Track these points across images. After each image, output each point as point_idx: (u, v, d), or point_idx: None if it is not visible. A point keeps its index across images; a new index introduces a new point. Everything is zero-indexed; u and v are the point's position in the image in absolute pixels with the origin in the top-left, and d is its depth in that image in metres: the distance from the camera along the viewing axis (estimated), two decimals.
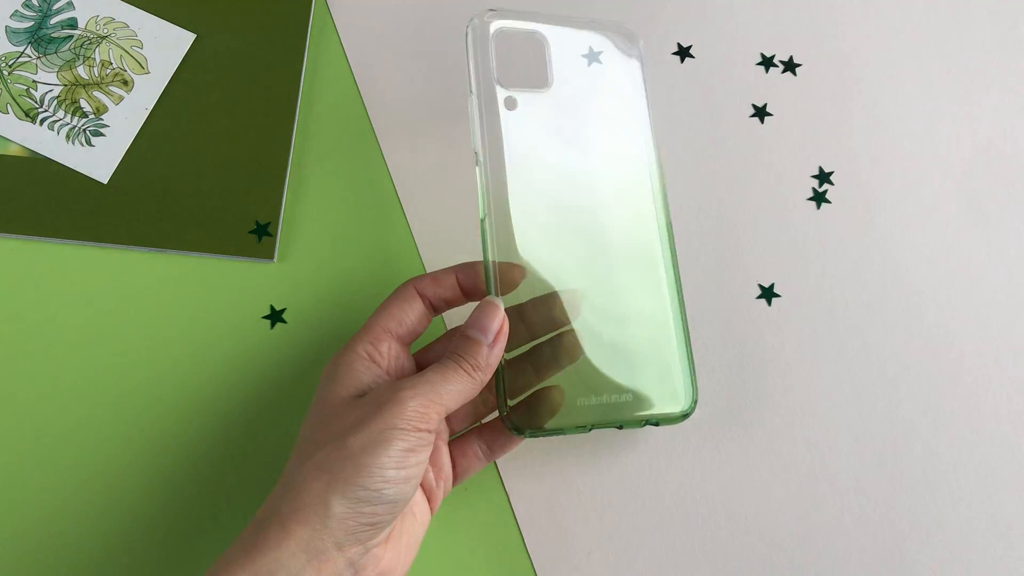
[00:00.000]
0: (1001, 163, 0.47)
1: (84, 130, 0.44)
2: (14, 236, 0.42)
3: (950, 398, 0.42)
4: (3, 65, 0.44)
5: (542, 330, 0.35)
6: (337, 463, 0.29)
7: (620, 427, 0.36)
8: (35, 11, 0.45)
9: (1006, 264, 0.45)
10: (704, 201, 0.45)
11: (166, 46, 0.46)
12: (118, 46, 0.45)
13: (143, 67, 0.45)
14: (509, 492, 0.40)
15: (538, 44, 0.38)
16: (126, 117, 0.44)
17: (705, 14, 0.49)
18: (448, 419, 0.37)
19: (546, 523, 0.39)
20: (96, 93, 0.44)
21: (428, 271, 0.39)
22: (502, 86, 0.36)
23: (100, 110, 0.44)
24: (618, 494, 0.40)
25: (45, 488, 0.39)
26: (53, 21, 0.45)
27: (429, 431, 0.31)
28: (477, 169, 0.35)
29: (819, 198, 0.46)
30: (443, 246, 0.43)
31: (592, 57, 0.39)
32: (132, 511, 0.39)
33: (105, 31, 0.46)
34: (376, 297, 0.36)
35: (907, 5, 0.50)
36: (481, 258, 0.35)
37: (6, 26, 0.45)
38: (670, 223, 0.38)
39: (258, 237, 0.43)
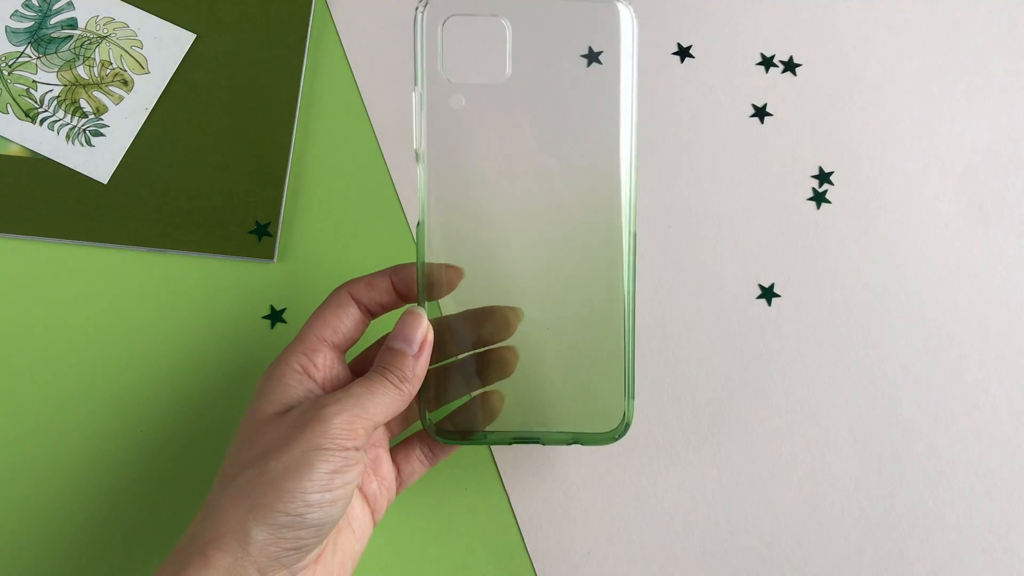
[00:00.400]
0: (1001, 163, 0.47)
1: (84, 130, 0.44)
2: (14, 236, 0.42)
3: (950, 398, 0.42)
4: (3, 65, 0.44)
5: (475, 342, 0.34)
6: (258, 488, 0.28)
7: (542, 443, 0.35)
8: (35, 11, 0.45)
9: (1006, 264, 0.45)
10: (704, 201, 0.45)
11: (166, 46, 0.46)
12: (118, 46, 0.45)
13: (143, 67, 0.45)
14: (509, 492, 0.40)
15: (498, 29, 0.33)
16: (126, 117, 0.44)
17: (705, 14, 0.49)
18: (387, 424, 0.36)
19: (546, 523, 0.39)
20: (96, 93, 0.44)
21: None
22: (449, 78, 0.33)
23: (100, 110, 0.44)
24: (618, 494, 0.40)
25: (44, 487, 0.39)
26: (53, 21, 0.45)
27: (356, 449, 0.29)
28: (418, 169, 0.33)
29: (819, 198, 0.46)
30: None
31: (567, 42, 0.34)
32: (132, 510, 0.39)
33: (105, 31, 0.46)
34: None
35: (907, 5, 0.50)
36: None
37: (6, 26, 0.45)
38: (634, 233, 0.34)
39: (258, 237, 0.43)
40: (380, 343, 0.36)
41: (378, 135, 0.46)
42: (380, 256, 0.43)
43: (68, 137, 0.43)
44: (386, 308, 0.35)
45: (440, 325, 0.33)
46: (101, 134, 0.44)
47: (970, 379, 0.43)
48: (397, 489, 0.35)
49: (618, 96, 0.34)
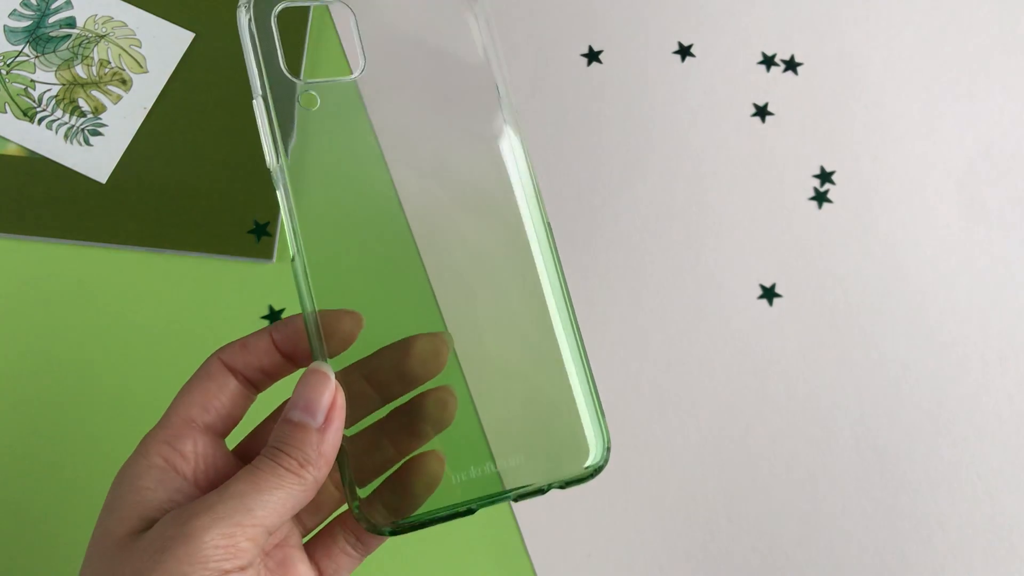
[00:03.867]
0: (1002, 162, 0.47)
1: (82, 129, 0.44)
2: (12, 236, 0.42)
3: (952, 398, 0.42)
4: (1, 64, 0.44)
5: (397, 390, 0.26)
6: None
7: (515, 499, 0.27)
8: (33, 10, 0.45)
9: (1007, 263, 0.45)
10: (705, 201, 0.45)
11: (165, 45, 0.45)
12: (117, 45, 0.45)
13: (142, 66, 0.45)
14: None
15: (343, 18, 0.29)
16: (124, 116, 0.44)
17: (706, 13, 0.49)
18: (298, 514, 0.27)
19: (546, 523, 0.39)
20: (94, 92, 0.44)
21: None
22: (296, 78, 0.27)
23: (98, 109, 0.44)
24: (618, 494, 0.40)
25: (43, 487, 0.39)
26: (51, 20, 0.45)
27: (242, 568, 0.22)
28: (279, 194, 0.27)
29: (820, 198, 0.46)
30: None
31: (419, 27, 0.30)
32: None
33: (104, 30, 0.45)
34: None
35: (909, 4, 0.50)
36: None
37: (4, 25, 0.45)
38: (549, 228, 0.29)
39: (257, 237, 0.43)
40: (277, 415, 0.28)
41: (378, 134, 0.45)
42: (379, 256, 0.43)
43: (66, 136, 0.43)
44: (271, 375, 0.27)
45: (350, 377, 0.26)
46: (99, 133, 0.44)
47: (972, 379, 0.43)
48: None
49: (492, 78, 0.30)
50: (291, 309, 0.42)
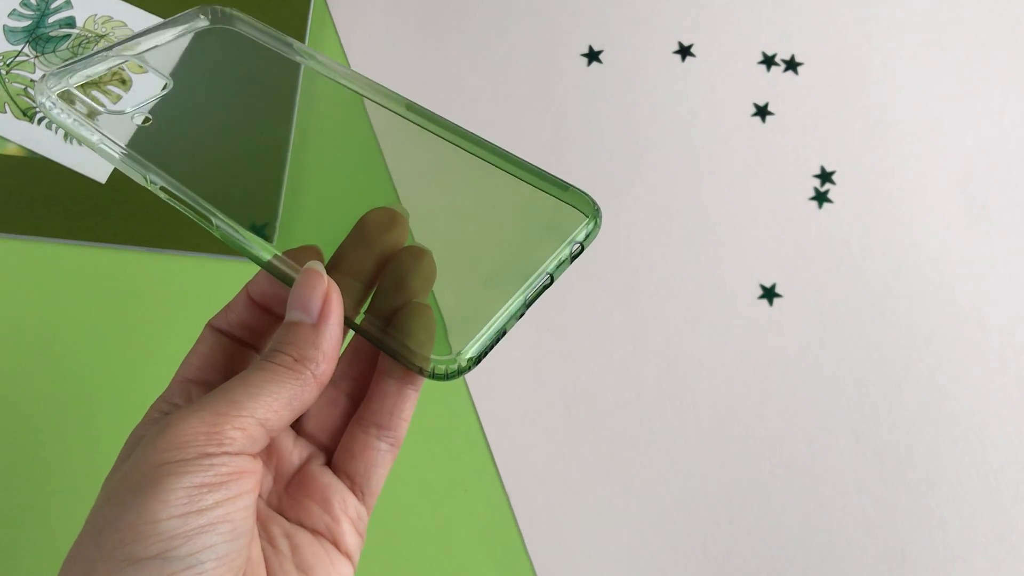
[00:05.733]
0: (1003, 162, 0.47)
1: None
2: (12, 236, 0.42)
3: (952, 398, 0.42)
4: (1, 64, 0.44)
5: (374, 269, 0.27)
6: (89, 543, 0.20)
7: (551, 280, 0.26)
8: (33, 10, 0.45)
9: (1008, 264, 0.45)
10: (705, 201, 0.45)
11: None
12: None
13: (141, 66, 0.45)
14: (509, 492, 0.40)
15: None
16: None
17: (706, 12, 0.49)
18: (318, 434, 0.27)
19: (546, 523, 0.39)
20: (94, 92, 0.44)
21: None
22: (115, 110, 0.31)
23: None
24: (618, 494, 0.40)
25: (43, 487, 0.39)
26: (51, 20, 0.45)
27: (231, 454, 0.21)
28: (162, 195, 0.29)
29: (821, 197, 0.46)
30: None
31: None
32: None
33: (103, 30, 0.45)
34: None
35: (909, 5, 0.50)
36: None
37: (3, 25, 0.45)
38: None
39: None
40: None
41: (377, 135, 0.45)
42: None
43: (66, 136, 0.43)
44: (253, 329, 0.28)
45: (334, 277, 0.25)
46: None
47: (972, 379, 0.43)
48: (364, 498, 0.26)
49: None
50: None
